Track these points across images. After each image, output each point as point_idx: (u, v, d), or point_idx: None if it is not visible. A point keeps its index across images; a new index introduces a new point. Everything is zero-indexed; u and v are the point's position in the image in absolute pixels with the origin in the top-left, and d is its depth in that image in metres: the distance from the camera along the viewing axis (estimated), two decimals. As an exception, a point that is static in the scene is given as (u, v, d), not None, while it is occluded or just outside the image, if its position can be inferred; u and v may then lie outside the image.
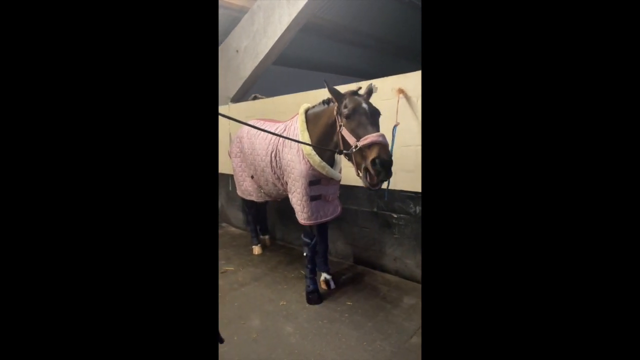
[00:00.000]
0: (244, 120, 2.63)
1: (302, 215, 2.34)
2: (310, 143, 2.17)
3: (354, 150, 1.85)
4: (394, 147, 2.21)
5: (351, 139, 1.89)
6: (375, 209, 2.73)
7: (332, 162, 2.28)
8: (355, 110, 1.89)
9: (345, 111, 1.92)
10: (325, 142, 2.18)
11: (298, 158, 2.27)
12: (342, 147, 2.02)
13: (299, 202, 2.34)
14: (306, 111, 2.33)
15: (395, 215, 2.61)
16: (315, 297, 2.37)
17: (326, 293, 2.48)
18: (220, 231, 4.15)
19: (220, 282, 2.73)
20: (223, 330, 2.04)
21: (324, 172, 2.21)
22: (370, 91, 2.06)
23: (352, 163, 1.94)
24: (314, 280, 2.43)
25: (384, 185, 1.93)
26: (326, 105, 2.18)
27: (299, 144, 2.24)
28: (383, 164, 1.72)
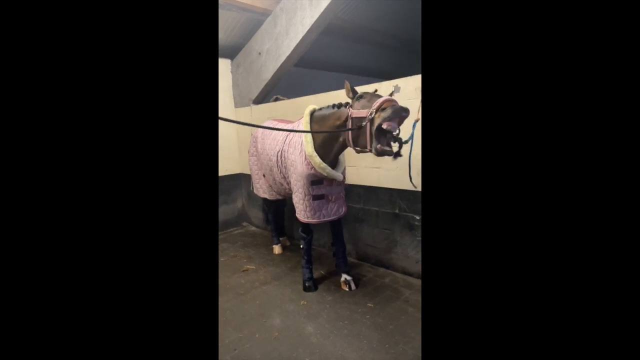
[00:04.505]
0: (262, 122, 2.61)
1: (303, 213, 2.43)
2: (312, 143, 2.23)
3: (370, 118, 1.84)
4: (414, 142, 2.15)
5: (363, 112, 1.89)
6: (397, 210, 2.69)
7: (334, 164, 2.33)
8: (372, 95, 1.95)
9: (361, 100, 1.96)
10: (329, 145, 2.22)
11: (300, 159, 2.33)
12: (350, 139, 2.02)
13: (301, 201, 2.41)
14: (312, 113, 2.36)
15: (418, 217, 2.56)
16: (311, 284, 2.56)
17: (347, 294, 2.46)
18: (241, 230, 4.22)
19: (242, 280, 2.77)
20: (244, 328, 2.08)
21: (324, 174, 2.25)
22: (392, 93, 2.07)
23: (366, 139, 1.90)
24: (310, 270, 2.62)
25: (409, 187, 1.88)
26: (335, 109, 2.18)
27: (302, 146, 2.30)
28: (395, 111, 1.75)
